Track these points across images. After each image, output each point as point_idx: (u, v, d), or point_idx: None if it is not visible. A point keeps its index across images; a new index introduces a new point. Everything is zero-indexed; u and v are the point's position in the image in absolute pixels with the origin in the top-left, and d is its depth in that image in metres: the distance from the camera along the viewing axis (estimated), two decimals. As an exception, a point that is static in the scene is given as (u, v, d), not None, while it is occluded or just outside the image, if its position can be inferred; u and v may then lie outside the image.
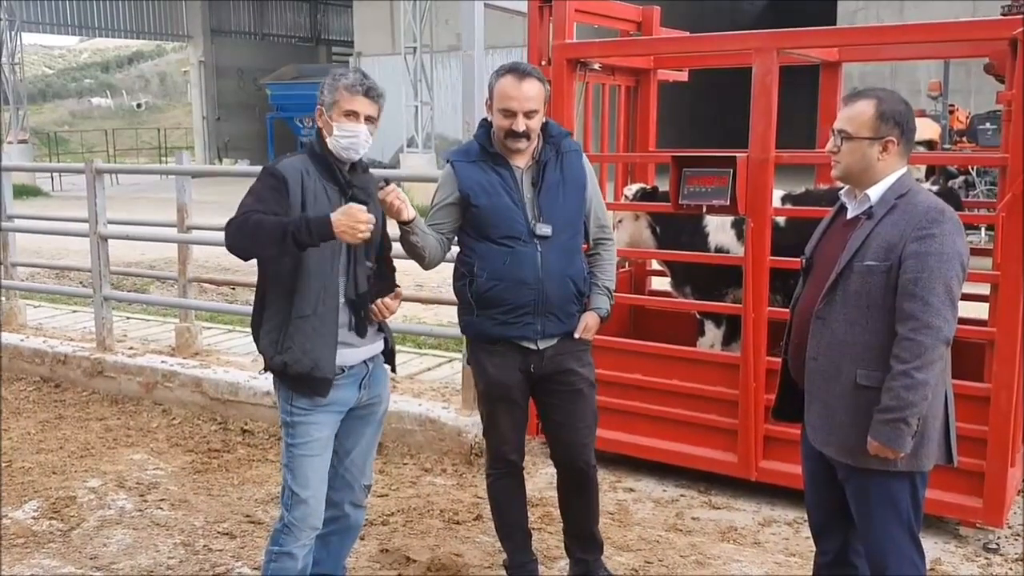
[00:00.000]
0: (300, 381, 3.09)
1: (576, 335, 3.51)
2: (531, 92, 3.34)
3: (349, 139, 3.07)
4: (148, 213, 12.49)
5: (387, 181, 3.17)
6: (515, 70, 3.37)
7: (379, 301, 3.20)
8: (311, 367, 3.07)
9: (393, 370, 3.42)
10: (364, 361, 3.23)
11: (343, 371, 3.15)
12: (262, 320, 3.16)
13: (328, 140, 3.10)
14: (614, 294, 3.67)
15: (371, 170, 3.34)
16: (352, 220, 2.83)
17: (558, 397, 3.56)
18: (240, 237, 2.92)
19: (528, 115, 3.34)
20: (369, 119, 3.10)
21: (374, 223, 2.91)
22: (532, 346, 3.47)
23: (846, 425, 2.79)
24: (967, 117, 13.13)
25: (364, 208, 2.88)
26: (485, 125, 3.49)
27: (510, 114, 3.34)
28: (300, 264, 3.04)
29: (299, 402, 3.13)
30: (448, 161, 3.53)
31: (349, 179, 3.13)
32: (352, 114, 3.06)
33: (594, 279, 3.61)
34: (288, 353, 3.07)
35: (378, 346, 3.28)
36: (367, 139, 3.10)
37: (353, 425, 3.30)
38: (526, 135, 3.36)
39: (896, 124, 2.76)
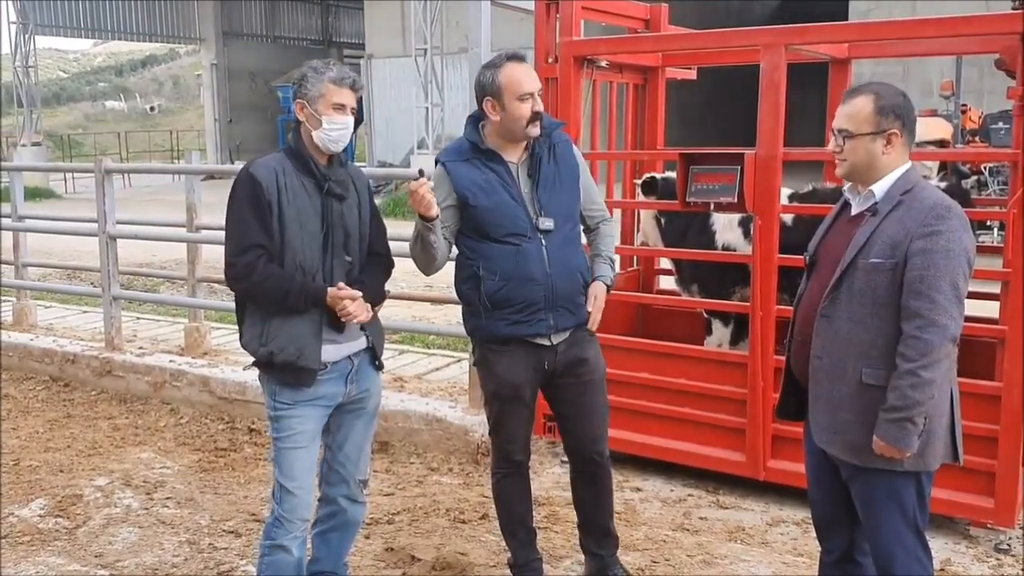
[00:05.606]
0: (286, 371, 3.11)
1: (588, 308, 3.41)
2: (535, 72, 3.38)
3: (339, 131, 3.11)
4: (160, 214, 12.48)
5: (421, 172, 3.13)
6: (514, 57, 3.36)
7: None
8: (297, 355, 3.08)
9: (380, 368, 3.37)
10: (349, 356, 3.23)
11: (327, 367, 3.15)
12: (244, 314, 3.18)
13: (315, 133, 3.10)
14: (615, 279, 3.63)
15: (381, 169, 3.34)
16: (337, 304, 3.08)
17: (569, 391, 3.52)
18: (248, 295, 3.15)
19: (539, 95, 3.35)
20: (352, 110, 3.15)
21: (368, 312, 3.16)
22: (546, 342, 3.41)
23: (851, 424, 2.76)
24: (980, 117, 13.01)
25: (353, 301, 3.09)
26: (473, 122, 3.43)
27: (528, 97, 3.30)
28: (282, 258, 3.07)
29: (282, 396, 3.16)
30: (438, 162, 3.46)
31: (326, 173, 3.14)
32: (340, 107, 3.10)
33: (596, 251, 3.58)
34: (274, 343, 3.09)
35: (361, 343, 3.27)
36: (351, 130, 3.17)
37: (343, 419, 3.31)
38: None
39: (896, 116, 2.73)
